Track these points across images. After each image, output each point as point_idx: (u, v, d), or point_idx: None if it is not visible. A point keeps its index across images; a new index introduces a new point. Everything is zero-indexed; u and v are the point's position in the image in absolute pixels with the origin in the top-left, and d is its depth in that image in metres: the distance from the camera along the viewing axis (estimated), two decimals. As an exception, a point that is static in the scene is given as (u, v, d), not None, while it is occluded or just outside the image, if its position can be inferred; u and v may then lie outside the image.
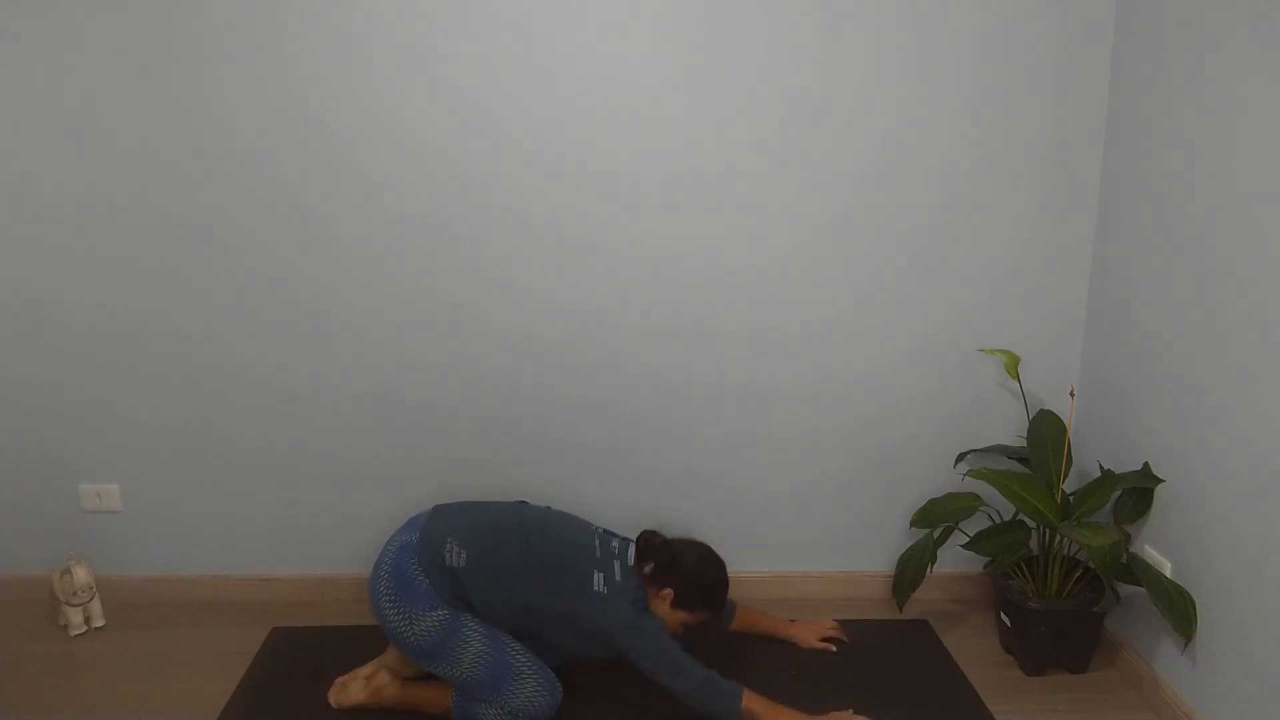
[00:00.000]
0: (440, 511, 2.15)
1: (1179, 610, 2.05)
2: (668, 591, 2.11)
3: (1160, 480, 2.21)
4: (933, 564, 2.34)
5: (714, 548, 2.68)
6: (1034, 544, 2.43)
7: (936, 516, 2.40)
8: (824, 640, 2.44)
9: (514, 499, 2.49)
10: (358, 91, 2.29)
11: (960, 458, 2.58)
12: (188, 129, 2.30)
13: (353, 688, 2.18)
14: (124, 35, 2.23)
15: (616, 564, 2.10)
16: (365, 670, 2.22)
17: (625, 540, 2.20)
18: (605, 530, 2.22)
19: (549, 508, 2.25)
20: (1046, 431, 2.37)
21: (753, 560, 2.69)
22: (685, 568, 2.14)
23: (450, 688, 2.10)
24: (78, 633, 2.45)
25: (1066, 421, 2.37)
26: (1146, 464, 2.26)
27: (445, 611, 2.00)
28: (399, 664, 2.21)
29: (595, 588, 2.03)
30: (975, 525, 2.57)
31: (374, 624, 2.47)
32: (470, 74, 2.29)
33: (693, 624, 2.18)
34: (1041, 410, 2.42)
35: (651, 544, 2.15)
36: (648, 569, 2.13)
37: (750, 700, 2.00)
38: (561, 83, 2.31)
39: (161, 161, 2.32)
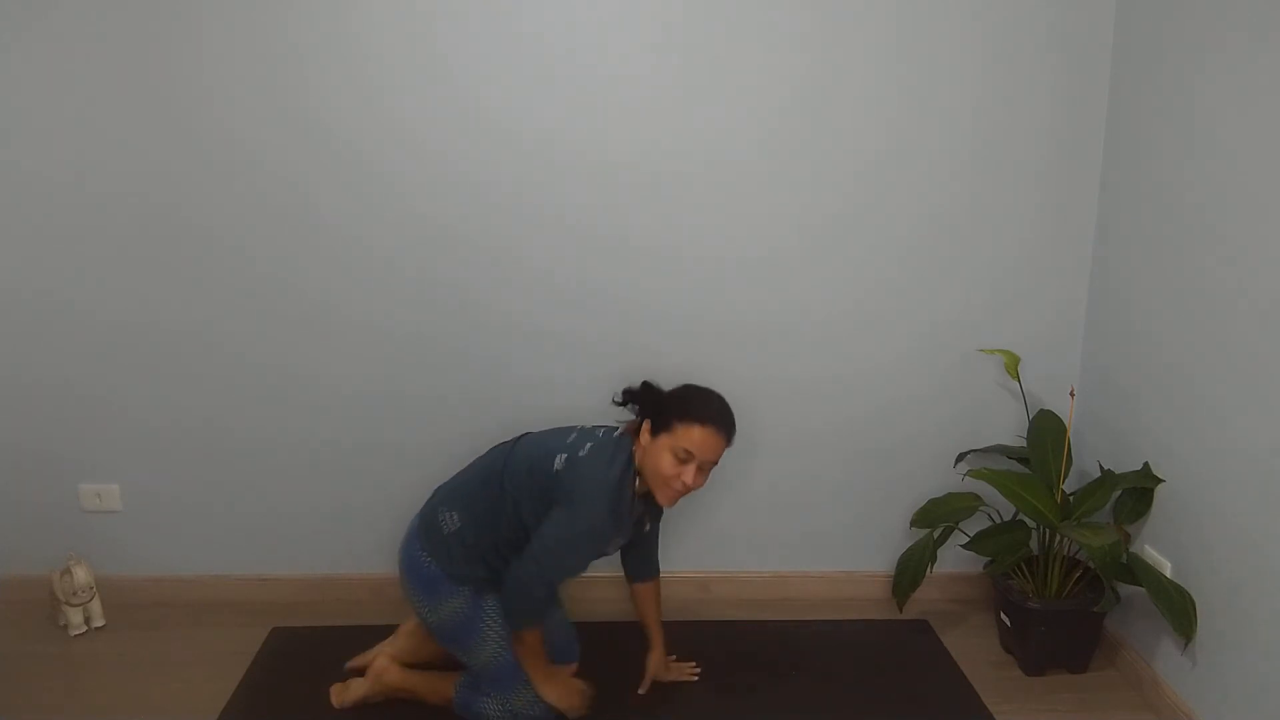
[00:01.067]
0: (436, 491, 2.16)
1: (1179, 610, 2.05)
2: (645, 423, 1.99)
3: (1160, 480, 2.21)
4: (933, 564, 2.34)
5: (714, 547, 2.70)
6: (1034, 544, 2.43)
7: (936, 516, 2.40)
8: (658, 678, 2.27)
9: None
10: (360, 88, 2.29)
11: (960, 458, 2.58)
12: (187, 127, 2.30)
13: (354, 685, 2.19)
14: (126, 33, 2.23)
15: (588, 444, 1.98)
16: (365, 660, 2.24)
17: (616, 425, 2.10)
18: (594, 426, 2.09)
19: (525, 434, 2.16)
20: (1046, 431, 2.37)
21: (753, 560, 2.69)
22: (664, 393, 2.03)
23: (452, 678, 2.11)
24: (78, 633, 2.45)
25: (1066, 421, 2.37)
26: (1146, 464, 2.26)
27: (463, 600, 2.01)
28: (401, 651, 2.22)
29: (555, 468, 1.95)
30: (975, 525, 2.57)
31: (373, 624, 2.47)
32: (470, 70, 2.28)
33: (686, 447, 1.91)
34: (1041, 410, 2.42)
35: (631, 390, 2.06)
36: (633, 412, 2.06)
37: (533, 637, 2.00)
38: (562, 78, 2.30)
39: (161, 159, 2.32)
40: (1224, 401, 1.99)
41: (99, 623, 2.49)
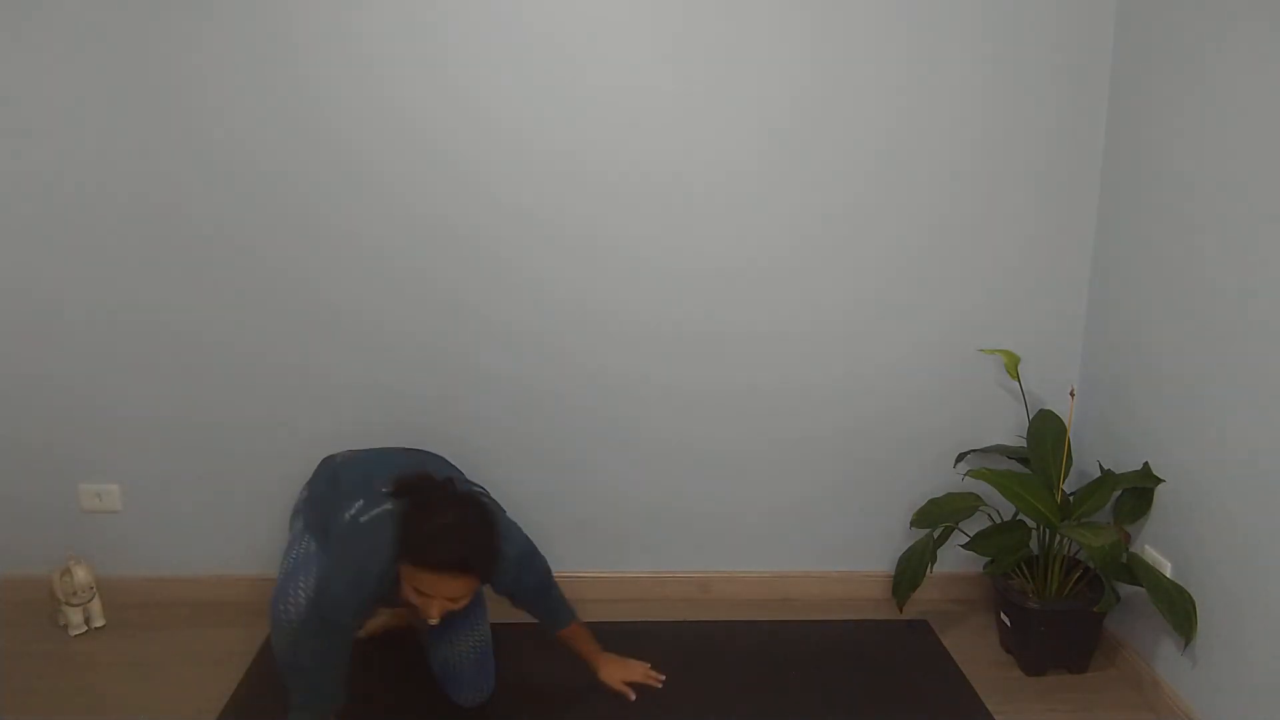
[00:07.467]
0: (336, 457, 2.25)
1: (1179, 610, 2.05)
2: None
3: (1160, 480, 2.21)
4: (933, 564, 2.34)
5: (714, 546, 2.70)
6: (1034, 544, 2.43)
7: (936, 516, 2.40)
8: (629, 684, 2.21)
9: (512, 500, 2.50)
10: (363, 89, 2.29)
11: (960, 458, 2.58)
12: (186, 126, 2.30)
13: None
14: (125, 32, 2.23)
15: (381, 507, 1.89)
16: None
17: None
18: (444, 478, 1.93)
19: (412, 449, 2.28)
20: (1046, 431, 2.37)
21: (753, 560, 2.69)
22: (421, 507, 1.82)
23: None
24: (78, 633, 2.45)
25: (1066, 421, 2.38)
26: (1146, 464, 2.26)
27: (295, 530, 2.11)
28: None
29: (345, 515, 1.90)
30: (975, 525, 2.57)
31: (374, 624, 2.47)
32: (474, 74, 2.29)
33: (418, 585, 1.77)
34: (1041, 410, 2.42)
35: (409, 478, 1.88)
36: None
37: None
38: (565, 84, 2.30)
39: (162, 158, 2.32)
40: (1224, 402, 1.99)
41: (99, 623, 2.48)
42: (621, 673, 2.24)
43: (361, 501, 1.93)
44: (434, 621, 1.79)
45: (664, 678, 2.27)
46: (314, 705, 1.90)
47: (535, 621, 2.19)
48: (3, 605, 2.57)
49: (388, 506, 1.89)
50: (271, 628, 1.97)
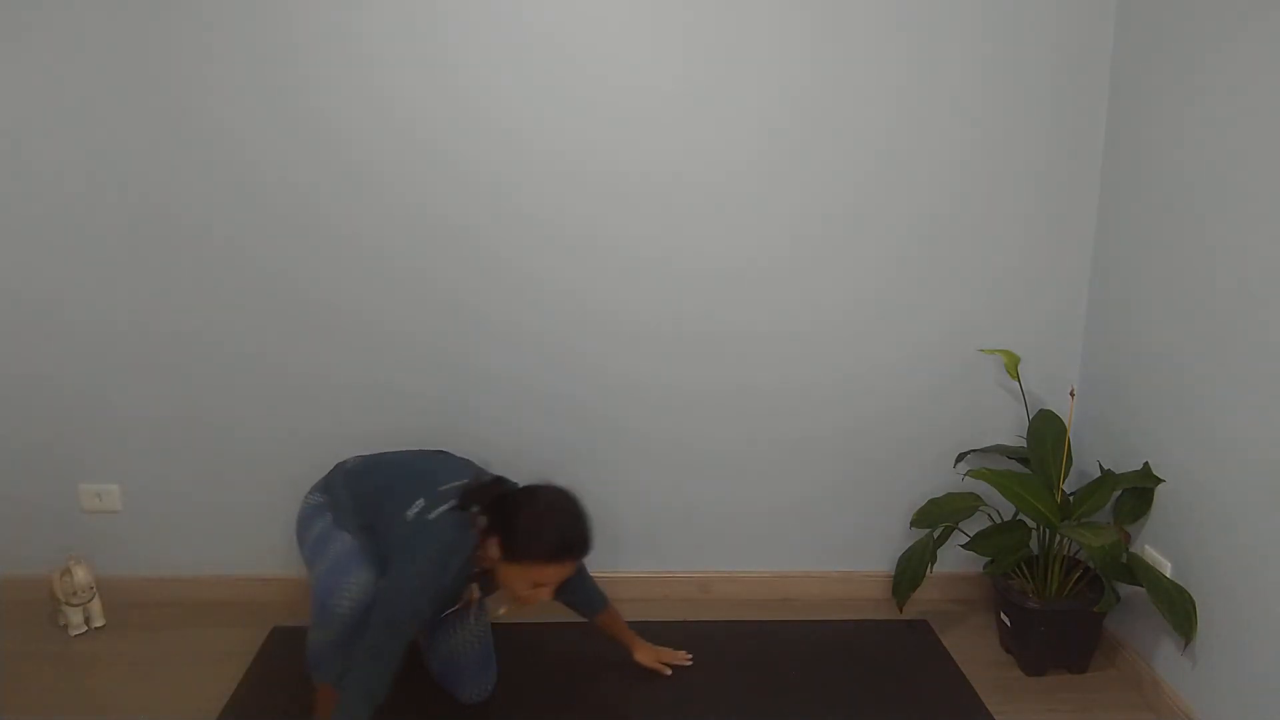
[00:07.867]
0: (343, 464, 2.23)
1: (1179, 610, 2.05)
2: (495, 539, 1.88)
3: (1160, 480, 2.21)
4: (933, 564, 2.34)
5: (714, 546, 2.69)
6: (1034, 544, 2.43)
7: (936, 516, 2.40)
8: (662, 663, 2.31)
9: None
10: (360, 88, 2.29)
11: (960, 458, 2.58)
12: (187, 126, 2.30)
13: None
14: (123, 32, 2.23)
15: (446, 506, 1.92)
16: None
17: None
18: (495, 478, 2.00)
19: (430, 451, 2.26)
20: (1046, 431, 2.37)
21: (753, 560, 2.70)
22: (512, 510, 1.88)
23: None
24: (78, 633, 2.45)
25: (1066, 421, 2.38)
26: (1146, 464, 2.26)
27: (324, 524, 2.06)
28: None
29: (408, 513, 1.90)
30: (975, 525, 2.57)
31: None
32: (473, 72, 2.29)
33: (539, 581, 1.87)
34: (1041, 410, 2.42)
35: (478, 485, 1.93)
36: (481, 519, 1.91)
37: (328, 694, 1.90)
38: (564, 82, 2.31)
39: (161, 159, 2.32)
40: (1224, 402, 1.99)
41: (99, 623, 2.48)
42: (655, 653, 2.33)
43: (423, 500, 1.94)
44: (547, 599, 1.92)
45: (691, 656, 2.37)
46: (367, 701, 1.79)
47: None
48: (3, 605, 2.57)
49: (453, 504, 1.93)
50: (318, 623, 1.94)
